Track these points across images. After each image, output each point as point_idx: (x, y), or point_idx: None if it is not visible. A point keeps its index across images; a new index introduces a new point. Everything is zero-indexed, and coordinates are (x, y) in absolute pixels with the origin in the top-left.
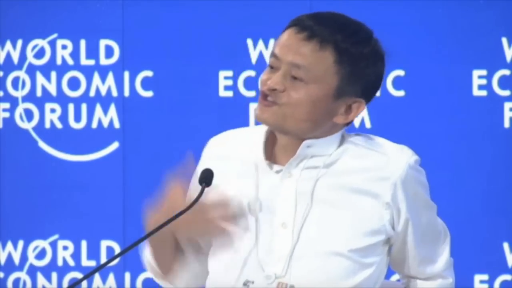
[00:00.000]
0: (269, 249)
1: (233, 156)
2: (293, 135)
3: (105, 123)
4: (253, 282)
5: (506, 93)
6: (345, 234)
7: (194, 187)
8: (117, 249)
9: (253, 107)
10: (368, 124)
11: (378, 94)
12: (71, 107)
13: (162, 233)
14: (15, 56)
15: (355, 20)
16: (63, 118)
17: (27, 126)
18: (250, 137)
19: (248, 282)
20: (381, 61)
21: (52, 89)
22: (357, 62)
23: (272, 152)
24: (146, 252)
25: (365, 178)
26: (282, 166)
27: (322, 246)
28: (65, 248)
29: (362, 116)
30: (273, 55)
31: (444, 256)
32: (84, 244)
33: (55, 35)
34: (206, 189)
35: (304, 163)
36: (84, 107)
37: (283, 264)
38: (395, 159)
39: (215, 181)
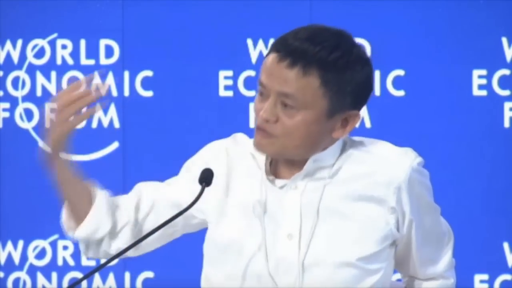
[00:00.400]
0: (276, 261)
1: (237, 168)
2: (295, 158)
3: (105, 123)
4: None
5: (506, 93)
6: (354, 243)
7: (191, 176)
8: None
9: (253, 106)
10: (368, 124)
11: (378, 94)
12: None
13: (73, 179)
14: (15, 56)
15: (335, 30)
16: None
17: (27, 126)
18: (254, 150)
19: None
20: (367, 65)
21: (52, 89)
22: (343, 77)
23: (276, 166)
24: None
25: (369, 183)
26: (285, 180)
27: (331, 257)
28: (65, 248)
29: (362, 116)
30: (260, 83)
31: (446, 258)
32: None
33: (55, 35)
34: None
35: (310, 176)
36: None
37: (295, 277)
38: (398, 163)
39: (220, 187)
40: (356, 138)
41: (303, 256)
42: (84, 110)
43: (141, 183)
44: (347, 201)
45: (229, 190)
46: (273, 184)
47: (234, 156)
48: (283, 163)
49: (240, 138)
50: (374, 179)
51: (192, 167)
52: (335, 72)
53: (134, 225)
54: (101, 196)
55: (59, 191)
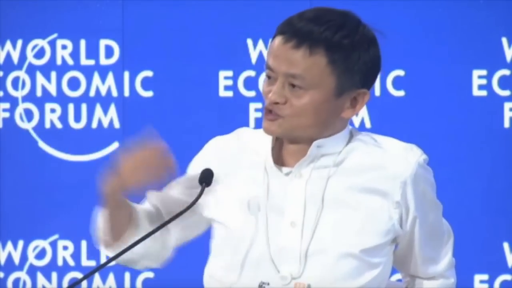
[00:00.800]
0: (278, 249)
1: (240, 159)
2: (304, 140)
3: (105, 123)
4: (269, 283)
5: (506, 93)
6: (356, 234)
7: (191, 177)
8: None
9: (253, 107)
10: (368, 124)
11: (378, 94)
12: (71, 107)
13: (118, 198)
14: (15, 56)
15: (340, 10)
16: (63, 118)
17: (27, 126)
18: (257, 140)
19: (263, 284)
20: (374, 45)
21: (52, 89)
22: (350, 55)
23: (280, 155)
24: (99, 218)
25: (375, 177)
26: (291, 168)
27: (334, 246)
28: (65, 248)
29: (362, 116)
30: (267, 66)
31: (447, 257)
32: (84, 244)
33: (55, 35)
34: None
35: (314, 163)
36: (84, 107)
37: (298, 264)
38: (404, 158)
39: (221, 182)
40: (363, 132)
41: (306, 245)
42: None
43: (153, 197)
44: (352, 192)
45: (229, 184)
46: (279, 170)
47: (233, 150)
48: (287, 152)
49: (242, 132)
50: (379, 172)
51: (195, 167)
52: (341, 51)
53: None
54: (143, 224)
55: (104, 207)
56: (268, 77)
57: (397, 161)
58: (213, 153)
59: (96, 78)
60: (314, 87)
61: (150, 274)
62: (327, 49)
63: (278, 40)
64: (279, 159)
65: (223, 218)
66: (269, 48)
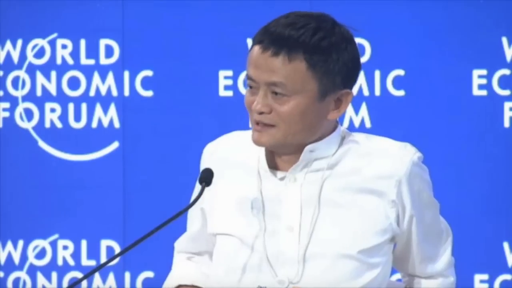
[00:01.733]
0: (276, 253)
1: (233, 163)
2: (295, 148)
3: (105, 123)
4: (266, 287)
5: (506, 93)
6: (354, 235)
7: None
8: (117, 249)
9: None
10: (368, 124)
11: (378, 94)
12: (71, 106)
13: None
14: (15, 56)
15: (314, 13)
16: (63, 117)
17: (27, 125)
18: (249, 144)
19: None
20: (351, 43)
21: (52, 88)
22: (329, 57)
23: (273, 159)
24: None
25: (370, 177)
26: (285, 173)
27: (332, 249)
28: (65, 247)
29: (362, 116)
30: (248, 76)
31: (446, 255)
32: (84, 243)
33: (55, 35)
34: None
35: (308, 167)
36: (84, 106)
37: (296, 268)
38: (399, 157)
39: (217, 188)
40: (355, 133)
41: (304, 248)
42: None
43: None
44: (347, 194)
45: (222, 189)
46: (273, 175)
47: (224, 155)
48: (279, 157)
49: (234, 136)
50: (374, 172)
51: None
52: (320, 53)
53: None
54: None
55: None
56: (250, 86)
57: (391, 160)
58: (206, 162)
59: (96, 78)
60: (297, 92)
61: (150, 274)
62: (305, 53)
63: (256, 49)
64: (272, 164)
65: (219, 224)
66: (248, 58)
